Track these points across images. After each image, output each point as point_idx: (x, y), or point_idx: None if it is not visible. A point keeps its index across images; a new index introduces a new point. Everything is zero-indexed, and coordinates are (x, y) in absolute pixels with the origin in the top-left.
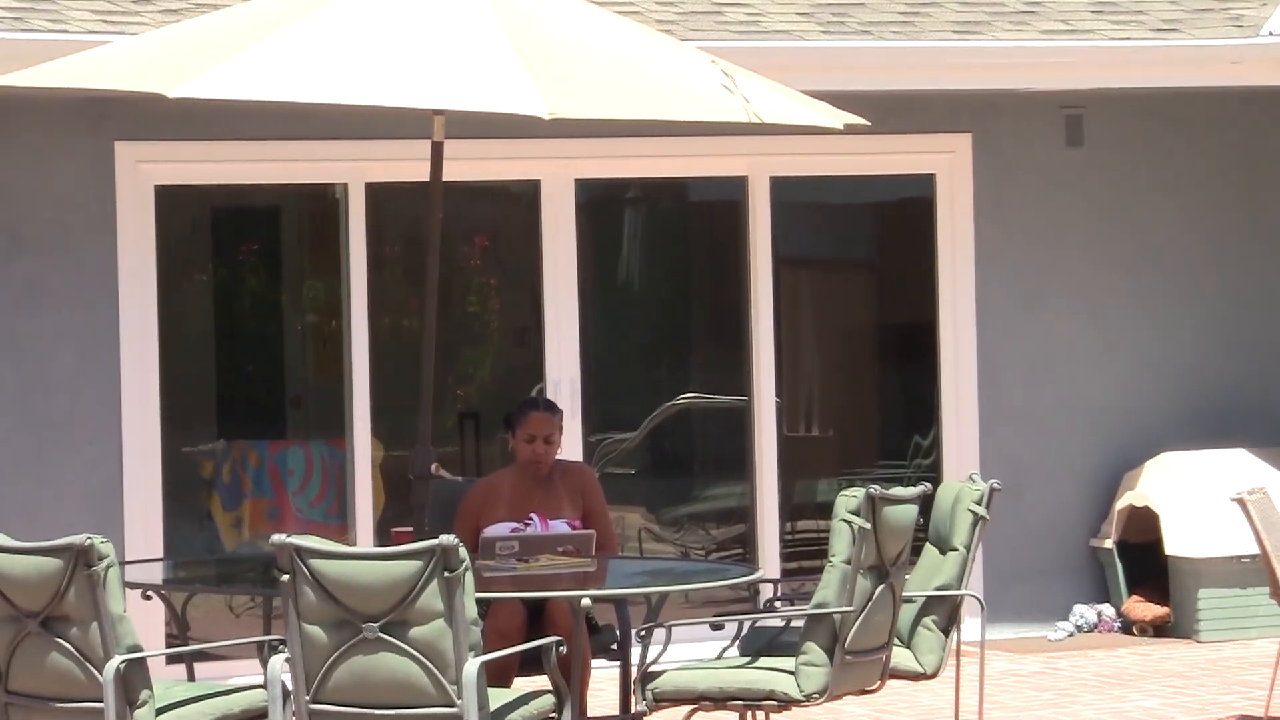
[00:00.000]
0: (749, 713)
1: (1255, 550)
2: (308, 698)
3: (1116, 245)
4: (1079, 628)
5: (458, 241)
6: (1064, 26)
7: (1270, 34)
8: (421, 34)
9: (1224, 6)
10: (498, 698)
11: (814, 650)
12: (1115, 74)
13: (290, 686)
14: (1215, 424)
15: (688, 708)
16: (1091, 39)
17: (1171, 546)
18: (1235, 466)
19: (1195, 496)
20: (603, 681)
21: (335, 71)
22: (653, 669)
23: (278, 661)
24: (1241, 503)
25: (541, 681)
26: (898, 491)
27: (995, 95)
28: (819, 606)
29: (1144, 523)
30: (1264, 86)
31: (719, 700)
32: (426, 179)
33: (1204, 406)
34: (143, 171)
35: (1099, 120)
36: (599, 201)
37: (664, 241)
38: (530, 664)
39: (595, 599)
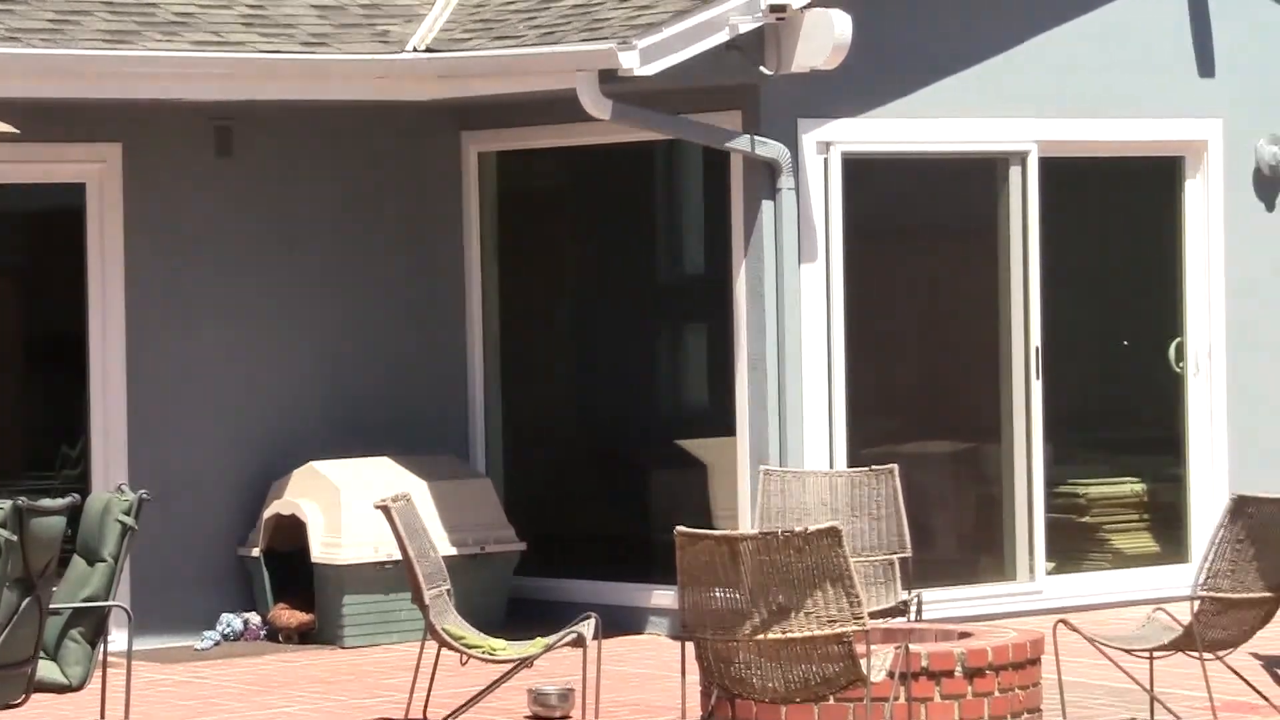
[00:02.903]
0: None
1: (399, 555)
2: None
3: (267, 257)
4: (226, 636)
5: None
6: (215, 38)
7: (414, 49)
8: None
9: (371, 22)
10: None
11: None
12: (266, 85)
13: None
14: (362, 433)
15: None
16: (242, 50)
17: (316, 554)
18: (380, 474)
19: (340, 504)
20: None
21: None
22: None
23: None
24: (385, 509)
25: None
26: (45, 503)
27: (146, 105)
28: None
29: (292, 531)
30: (410, 101)
31: None
32: None
33: (351, 416)
34: None
35: (252, 131)
36: None
37: None
38: None
39: None
